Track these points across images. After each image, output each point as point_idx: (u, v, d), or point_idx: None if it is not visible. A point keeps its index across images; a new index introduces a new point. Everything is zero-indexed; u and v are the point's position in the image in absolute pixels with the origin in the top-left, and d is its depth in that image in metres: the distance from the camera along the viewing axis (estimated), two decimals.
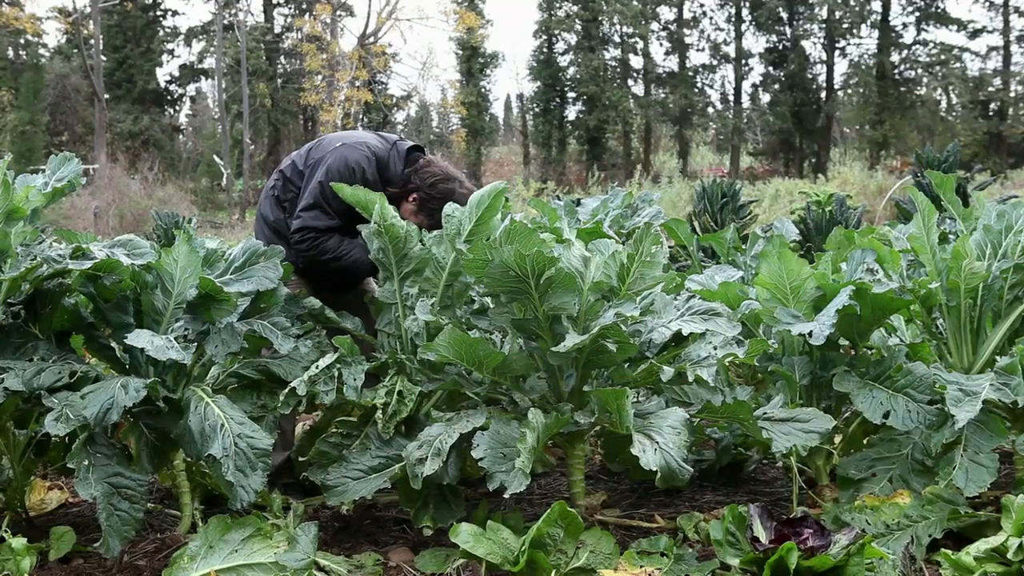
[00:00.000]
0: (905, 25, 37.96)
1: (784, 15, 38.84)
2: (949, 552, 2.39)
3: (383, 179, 3.55)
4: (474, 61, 39.38)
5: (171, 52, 43.47)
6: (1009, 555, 2.31)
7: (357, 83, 35.91)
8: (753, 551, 2.37)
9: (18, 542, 2.52)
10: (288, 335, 2.89)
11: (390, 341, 3.07)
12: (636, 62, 41.01)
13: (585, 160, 38.73)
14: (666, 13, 41.47)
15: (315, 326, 3.13)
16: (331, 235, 3.47)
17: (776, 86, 39.62)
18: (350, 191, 3.07)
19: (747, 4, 38.96)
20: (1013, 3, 36.48)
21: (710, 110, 42.13)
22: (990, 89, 36.72)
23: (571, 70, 40.38)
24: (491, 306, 2.87)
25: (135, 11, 40.22)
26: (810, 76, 39.62)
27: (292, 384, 2.81)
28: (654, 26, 40.78)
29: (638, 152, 40.79)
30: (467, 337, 2.63)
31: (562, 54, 40.80)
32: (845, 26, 38.29)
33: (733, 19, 39.79)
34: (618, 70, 40.64)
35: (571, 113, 40.76)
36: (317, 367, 2.85)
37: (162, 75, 43.72)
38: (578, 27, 39.39)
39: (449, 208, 2.95)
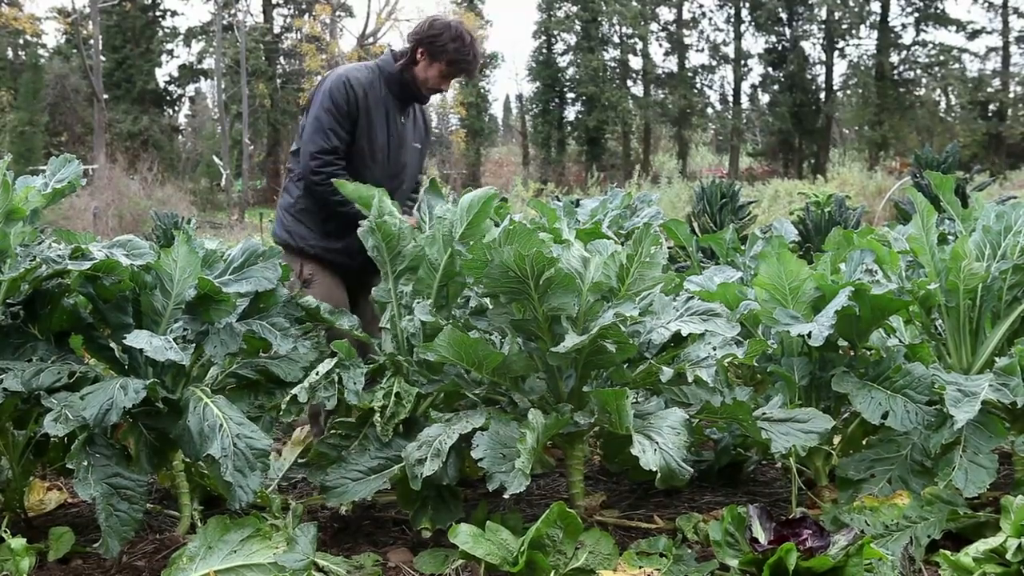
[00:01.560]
0: (904, 26, 38.00)
1: (783, 16, 38.86)
2: (948, 553, 2.39)
3: (385, 84, 3.66)
4: None
5: (170, 52, 43.47)
6: (1008, 556, 2.31)
7: None
8: (752, 552, 2.37)
9: (17, 542, 2.52)
10: (287, 335, 2.88)
11: (387, 341, 3.07)
12: (635, 63, 41.09)
13: (584, 161, 38.75)
14: (665, 14, 41.53)
15: (313, 326, 3.13)
16: (344, 170, 3.54)
17: (775, 87, 39.64)
18: (351, 187, 3.07)
19: (746, 5, 38.98)
20: (1012, 4, 36.52)
21: (709, 111, 42.18)
22: (989, 90, 36.75)
23: (570, 71, 40.40)
24: (489, 306, 2.87)
25: (134, 11, 40.22)
26: (809, 77, 39.65)
27: (293, 392, 2.81)
28: (653, 27, 40.81)
29: (637, 153, 40.81)
30: (467, 338, 2.63)
31: (561, 55, 40.84)
32: (844, 27, 38.32)
33: (732, 20, 39.82)
34: (617, 71, 40.65)
35: (570, 114, 40.82)
36: (317, 373, 2.84)
37: (161, 75, 43.74)
38: (577, 28, 39.41)
39: (439, 210, 2.97)
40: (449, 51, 3.58)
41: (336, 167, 3.54)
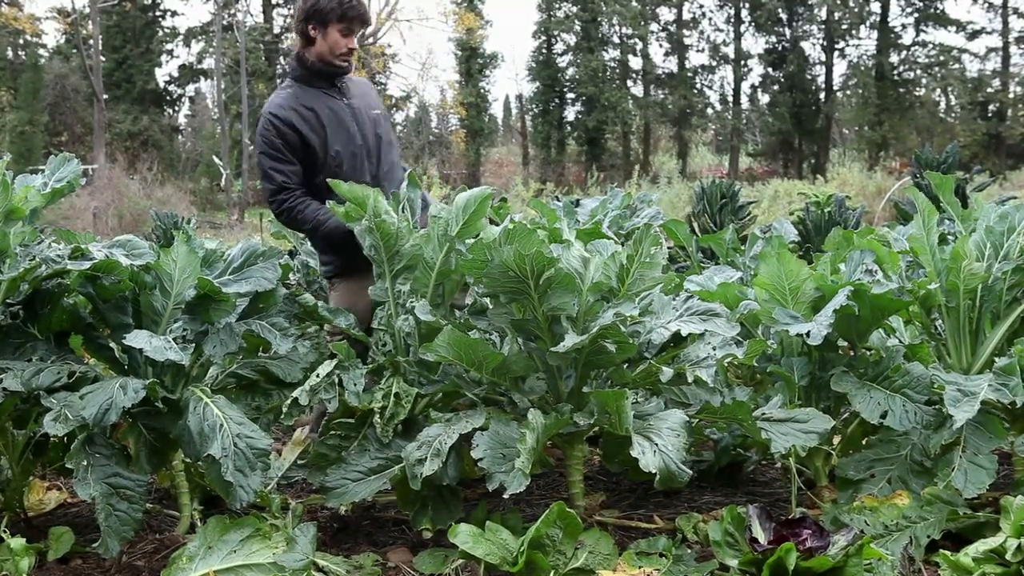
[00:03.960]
0: (904, 26, 37.99)
1: (783, 16, 38.85)
2: (948, 553, 2.39)
3: (307, 83, 3.64)
4: (473, 62, 39.37)
5: (170, 52, 43.45)
6: (1008, 556, 2.31)
7: None
8: (752, 552, 2.37)
9: (17, 542, 2.52)
10: (286, 335, 2.88)
11: (384, 340, 3.07)
12: (635, 63, 41.08)
13: (584, 161, 38.75)
14: (665, 14, 41.51)
15: (312, 326, 3.13)
16: (299, 198, 3.55)
17: (775, 87, 39.64)
18: (346, 187, 3.08)
19: (746, 5, 38.98)
20: (1012, 4, 36.52)
21: (709, 111, 42.16)
22: (989, 90, 36.75)
23: (570, 71, 40.38)
24: (489, 306, 2.87)
25: (134, 11, 40.21)
26: (809, 77, 39.64)
27: (294, 395, 2.81)
28: (653, 27, 40.80)
29: (637, 153, 40.80)
30: (467, 338, 2.63)
31: (561, 55, 40.82)
32: (844, 27, 38.31)
33: (732, 20, 39.81)
34: (617, 71, 40.64)
35: (570, 114, 40.80)
36: (318, 375, 2.84)
37: (161, 75, 43.73)
38: (577, 28, 39.39)
39: (435, 209, 2.97)
40: (337, 8, 3.54)
41: (291, 199, 3.57)
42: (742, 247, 4.79)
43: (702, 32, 40.98)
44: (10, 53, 39.34)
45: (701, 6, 41.18)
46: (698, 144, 43.57)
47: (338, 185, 3.12)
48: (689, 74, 40.68)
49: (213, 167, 36.04)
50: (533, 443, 2.49)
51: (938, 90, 38.35)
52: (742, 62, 39.90)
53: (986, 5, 36.82)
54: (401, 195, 3.22)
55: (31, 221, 2.78)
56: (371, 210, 2.98)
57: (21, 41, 39.00)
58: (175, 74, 44.09)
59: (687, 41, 40.86)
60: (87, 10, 34.59)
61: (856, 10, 37.76)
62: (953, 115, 38.15)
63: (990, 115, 36.54)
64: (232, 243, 3.40)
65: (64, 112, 38.62)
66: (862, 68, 38.35)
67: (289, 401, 2.81)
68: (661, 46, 41.42)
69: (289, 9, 42.50)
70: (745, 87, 40.76)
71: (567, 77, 40.46)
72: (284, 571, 2.36)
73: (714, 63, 40.96)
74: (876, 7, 37.71)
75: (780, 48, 39.26)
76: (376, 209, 2.98)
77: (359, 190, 3.05)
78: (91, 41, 33.99)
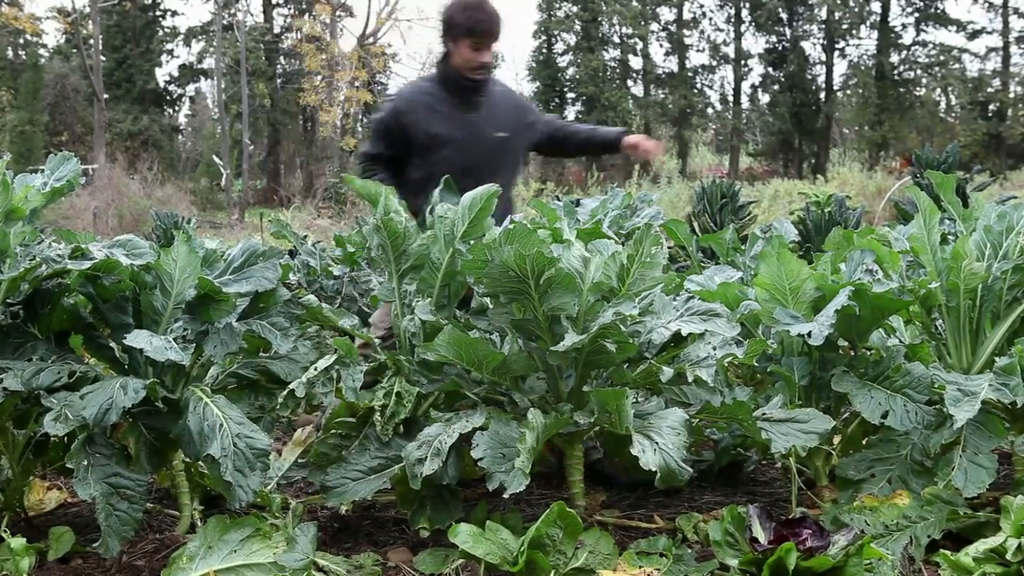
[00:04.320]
0: (904, 26, 38.00)
1: (784, 16, 38.86)
2: (948, 553, 2.39)
3: (440, 86, 3.92)
4: None
5: (170, 52, 43.48)
6: (1008, 556, 2.31)
7: (356, 83, 35.89)
8: (752, 552, 2.37)
9: (17, 542, 2.52)
10: (287, 335, 2.88)
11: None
12: (635, 63, 41.08)
13: (584, 160, 38.72)
14: (666, 14, 41.51)
15: (313, 326, 3.13)
16: (374, 165, 3.93)
17: (775, 87, 39.64)
18: (359, 183, 3.07)
19: (747, 5, 38.97)
20: (1012, 4, 36.51)
21: (709, 111, 42.17)
22: (989, 90, 36.76)
23: (570, 71, 40.39)
24: (490, 306, 2.87)
25: (134, 11, 40.22)
26: (809, 77, 39.65)
27: (291, 386, 2.81)
28: (654, 27, 40.81)
29: None
30: (467, 337, 2.63)
31: (561, 55, 40.82)
32: (844, 27, 38.31)
33: (733, 20, 39.81)
34: (617, 71, 40.64)
35: (570, 113, 40.75)
36: (316, 369, 2.84)
37: (161, 75, 43.76)
38: (577, 28, 39.39)
39: (441, 209, 2.97)
40: (464, 23, 3.75)
41: (371, 170, 3.92)
42: (742, 247, 4.79)
43: (702, 32, 41.00)
44: (10, 53, 39.35)
45: (701, 6, 41.21)
46: (698, 144, 43.57)
47: (352, 180, 3.13)
48: (689, 74, 40.69)
49: (213, 167, 36.03)
50: (533, 442, 2.49)
51: (938, 90, 38.36)
52: (742, 62, 39.91)
53: (986, 5, 36.83)
54: (433, 198, 3.18)
55: (31, 221, 2.78)
56: (380, 208, 2.97)
57: (21, 41, 39.01)
58: (175, 74, 44.12)
59: (687, 41, 40.89)
60: (87, 10, 34.59)
61: (856, 10, 37.76)
62: (953, 115, 38.15)
63: (990, 115, 36.55)
64: (232, 243, 3.40)
65: (64, 112, 38.62)
66: (862, 68, 38.36)
67: (285, 392, 2.81)
68: (661, 46, 41.47)
69: (289, 9, 42.51)
70: (745, 87, 40.79)
71: (567, 77, 40.47)
72: (284, 571, 2.36)
73: (714, 63, 40.98)
74: (876, 7, 37.72)
75: (780, 48, 39.27)
76: (386, 207, 2.97)
77: (372, 187, 3.04)
78: (91, 41, 33.99)
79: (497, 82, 4.07)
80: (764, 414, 2.85)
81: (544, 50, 40.56)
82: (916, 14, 37.66)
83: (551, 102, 40.26)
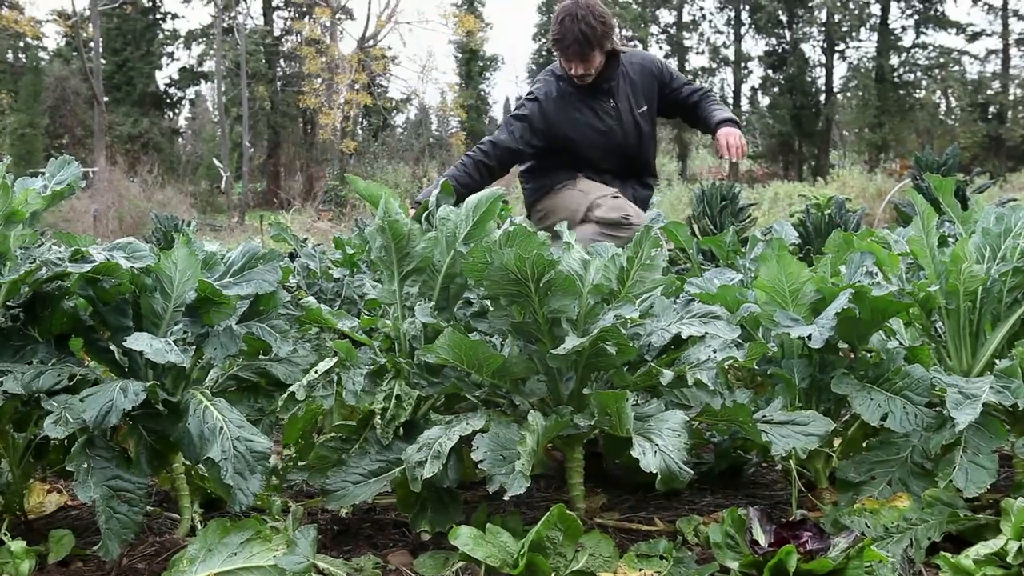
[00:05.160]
0: (904, 28, 38.07)
1: (783, 18, 38.91)
2: (948, 555, 2.39)
3: (564, 82, 4.32)
4: (473, 64, 39.42)
5: (171, 55, 43.59)
6: (1008, 558, 2.30)
7: (356, 86, 35.94)
8: (752, 554, 2.36)
9: (17, 545, 2.52)
10: (287, 338, 2.89)
11: (387, 342, 3.07)
12: None
13: None
14: (665, 16, 41.59)
15: (313, 328, 3.13)
16: (477, 151, 4.28)
17: (775, 89, 39.69)
18: (363, 185, 3.07)
19: (746, 7, 39.03)
20: (1012, 6, 36.56)
21: None
22: (989, 92, 36.80)
23: None
24: (490, 309, 2.87)
25: (135, 14, 40.28)
26: (809, 79, 39.70)
27: (291, 388, 2.81)
28: (653, 29, 40.87)
29: None
30: (467, 340, 2.63)
31: None
32: (844, 29, 38.37)
33: (732, 22, 39.89)
34: None
35: None
36: (316, 372, 2.84)
37: (162, 78, 43.87)
38: None
39: (443, 212, 2.97)
40: (553, 40, 4.19)
41: (477, 148, 4.33)
42: (742, 249, 4.79)
43: (702, 34, 41.08)
44: (10, 56, 39.38)
45: (701, 8, 41.27)
46: (698, 146, 43.56)
47: (355, 181, 3.13)
48: (689, 76, 40.71)
49: (213, 170, 36.05)
50: (533, 445, 2.49)
51: (938, 92, 38.40)
52: (742, 64, 39.97)
53: (986, 7, 36.87)
54: (431, 202, 3.19)
55: (31, 224, 2.78)
56: (383, 210, 2.97)
57: (21, 44, 39.04)
58: (175, 77, 44.21)
59: (687, 43, 40.95)
60: (87, 13, 34.63)
61: (856, 12, 37.81)
62: (953, 117, 38.20)
63: (990, 117, 36.59)
64: (233, 245, 3.39)
65: (64, 115, 38.66)
66: (862, 70, 38.40)
67: (285, 395, 2.81)
68: (661, 48, 41.49)
69: (289, 12, 42.55)
70: (745, 89, 40.86)
71: None
72: (284, 574, 2.36)
73: (714, 65, 41.05)
74: (876, 9, 37.80)
75: (780, 50, 39.32)
76: (388, 209, 2.97)
77: (374, 188, 3.04)
78: (91, 44, 34.03)
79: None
80: (764, 416, 2.85)
81: (544, 52, 40.56)
82: (916, 16, 37.72)
83: None
